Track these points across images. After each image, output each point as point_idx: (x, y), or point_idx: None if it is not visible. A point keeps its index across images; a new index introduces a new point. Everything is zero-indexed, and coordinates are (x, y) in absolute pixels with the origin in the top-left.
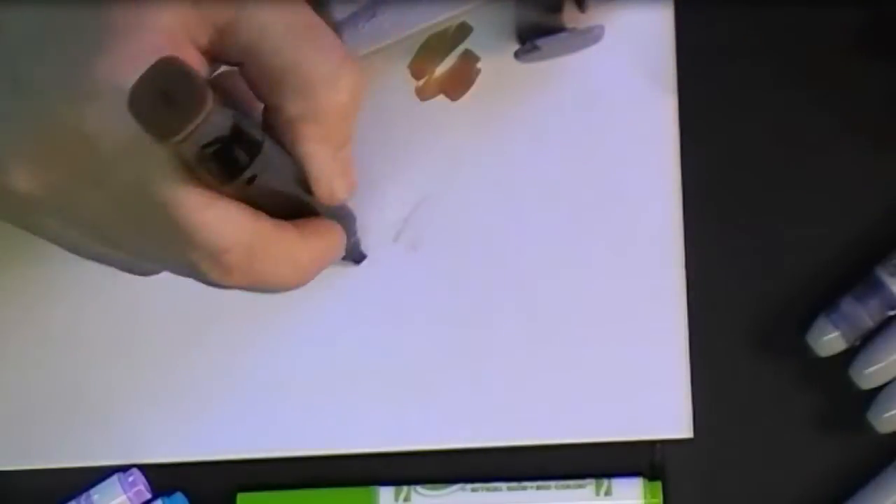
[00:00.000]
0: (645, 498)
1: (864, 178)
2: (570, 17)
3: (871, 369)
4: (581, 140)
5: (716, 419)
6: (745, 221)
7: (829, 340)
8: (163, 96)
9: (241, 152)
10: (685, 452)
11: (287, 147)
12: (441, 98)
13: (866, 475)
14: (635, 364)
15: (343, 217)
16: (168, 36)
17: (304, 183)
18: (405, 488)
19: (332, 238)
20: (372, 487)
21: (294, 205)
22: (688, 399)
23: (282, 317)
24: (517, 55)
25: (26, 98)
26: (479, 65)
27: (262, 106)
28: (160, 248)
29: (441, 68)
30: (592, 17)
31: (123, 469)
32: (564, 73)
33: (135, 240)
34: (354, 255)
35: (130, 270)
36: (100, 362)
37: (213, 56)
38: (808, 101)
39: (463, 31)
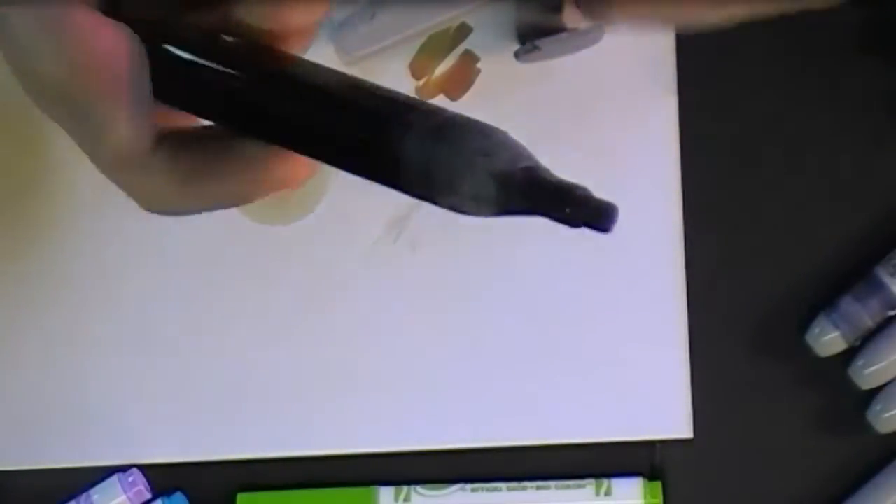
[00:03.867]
0: (645, 498)
1: (864, 178)
2: (570, 17)
3: (871, 369)
4: (581, 140)
5: (716, 419)
6: (745, 221)
7: (829, 340)
8: None
9: None
10: (685, 452)
11: None
12: (441, 98)
13: (866, 475)
14: (635, 364)
15: None
16: None
17: None
18: (405, 488)
19: None
20: (372, 487)
21: None
22: (688, 399)
23: (281, 317)
24: (517, 55)
25: None
26: (479, 65)
27: None
28: None
29: (441, 68)
30: None
31: (123, 469)
32: (564, 73)
33: None
34: None
35: None
36: (100, 362)
37: None
38: (808, 101)
39: (463, 31)
